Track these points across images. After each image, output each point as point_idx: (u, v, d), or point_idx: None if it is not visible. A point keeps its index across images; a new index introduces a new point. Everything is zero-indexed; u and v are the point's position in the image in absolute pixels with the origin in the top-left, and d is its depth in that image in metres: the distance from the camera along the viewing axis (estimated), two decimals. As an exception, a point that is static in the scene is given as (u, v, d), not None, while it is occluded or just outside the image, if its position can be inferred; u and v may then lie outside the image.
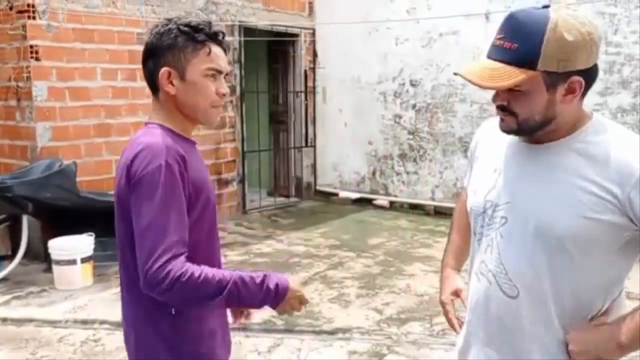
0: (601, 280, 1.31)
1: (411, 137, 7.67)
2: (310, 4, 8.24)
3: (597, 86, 7.35)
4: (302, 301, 1.58)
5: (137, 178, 1.42)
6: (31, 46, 5.37)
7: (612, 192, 1.22)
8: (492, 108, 5.88)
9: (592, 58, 1.27)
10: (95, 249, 5.03)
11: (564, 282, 1.30)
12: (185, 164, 1.46)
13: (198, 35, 1.51)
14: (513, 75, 1.22)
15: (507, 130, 1.35)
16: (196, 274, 1.39)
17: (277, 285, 1.51)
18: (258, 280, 1.49)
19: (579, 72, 1.25)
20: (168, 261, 1.37)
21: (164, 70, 1.51)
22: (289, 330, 3.99)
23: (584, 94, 1.30)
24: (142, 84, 6.30)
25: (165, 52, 1.51)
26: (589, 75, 1.28)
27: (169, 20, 1.56)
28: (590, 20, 1.29)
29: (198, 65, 1.51)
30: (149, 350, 1.55)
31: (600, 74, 7.17)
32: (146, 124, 1.58)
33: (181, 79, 1.52)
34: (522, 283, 1.33)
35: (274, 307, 1.55)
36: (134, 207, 1.43)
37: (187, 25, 1.52)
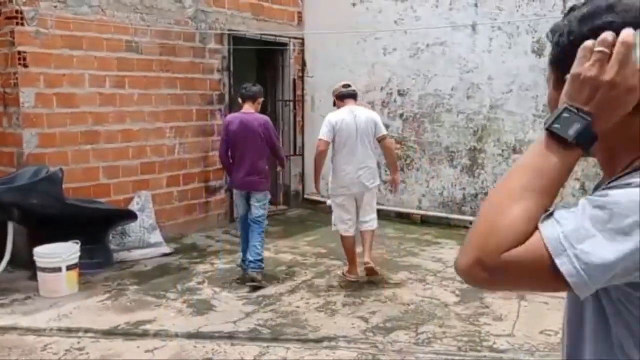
0: None
1: (399, 146, 7.71)
2: (300, 13, 8.29)
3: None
4: None
5: (269, 128, 5.09)
6: (19, 52, 5.36)
7: None
8: (478, 118, 6.01)
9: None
10: (81, 257, 5.01)
11: None
12: None
13: None
14: None
15: None
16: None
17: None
18: None
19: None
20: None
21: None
22: (275, 339, 3.99)
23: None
24: (130, 91, 6.38)
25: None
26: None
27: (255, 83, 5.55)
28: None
29: None
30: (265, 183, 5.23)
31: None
32: (251, 113, 5.10)
33: None
34: None
35: None
36: (272, 139, 5.09)
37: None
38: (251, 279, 4.99)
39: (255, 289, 4.95)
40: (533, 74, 6.60)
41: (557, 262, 0.85)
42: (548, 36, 1.06)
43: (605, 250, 0.84)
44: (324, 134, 5.00)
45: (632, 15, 0.90)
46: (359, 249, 5.22)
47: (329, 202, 5.35)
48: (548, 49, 1.08)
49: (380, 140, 5.11)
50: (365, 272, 5.09)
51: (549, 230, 0.87)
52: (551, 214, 0.90)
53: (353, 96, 5.21)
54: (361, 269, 5.14)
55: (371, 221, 5.20)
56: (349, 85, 5.25)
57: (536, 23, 6.48)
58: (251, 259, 5.04)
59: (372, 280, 5.11)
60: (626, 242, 0.83)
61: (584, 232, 0.85)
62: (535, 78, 6.59)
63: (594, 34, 0.90)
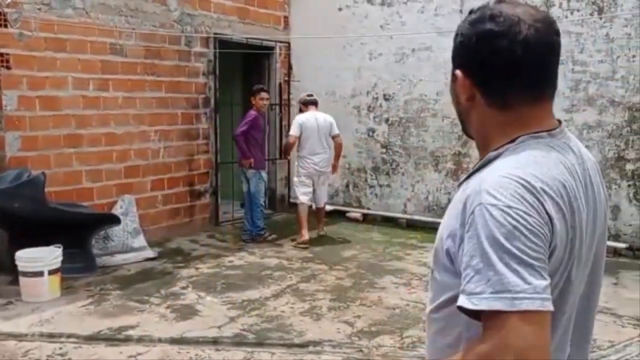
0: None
1: (384, 150, 7.75)
2: (286, 17, 8.30)
3: (563, 103, 7.54)
4: None
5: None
6: (2, 54, 5.29)
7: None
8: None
9: None
10: (63, 261, 4.94)
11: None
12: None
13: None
14: None
15: None
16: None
17: None
18: None
19: None
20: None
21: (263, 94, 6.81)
22: (259, 344, 3.97)
23: None
24: (114, 94, 6.33)
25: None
26: None
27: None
28: None
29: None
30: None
31: (567, 92, 7.33)
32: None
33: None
34: None
35: None
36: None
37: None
38: (262, 239, 6.74)
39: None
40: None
41: (517, 307, 0.89)
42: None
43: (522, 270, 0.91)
44: (293, 130, 6.54)
45: (507, 24, 1.06)
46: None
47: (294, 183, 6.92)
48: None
49: (334, 137, 6.68)
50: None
51: (483, 302, 0.91)
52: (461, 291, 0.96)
53: (314, 103, 6.74)
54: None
55: (324, 198, 6.92)
56: (312, 95, 6.84)
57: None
58: (247, 227, 6.79)
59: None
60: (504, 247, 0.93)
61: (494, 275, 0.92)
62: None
63: (477, 36, 1.10)
